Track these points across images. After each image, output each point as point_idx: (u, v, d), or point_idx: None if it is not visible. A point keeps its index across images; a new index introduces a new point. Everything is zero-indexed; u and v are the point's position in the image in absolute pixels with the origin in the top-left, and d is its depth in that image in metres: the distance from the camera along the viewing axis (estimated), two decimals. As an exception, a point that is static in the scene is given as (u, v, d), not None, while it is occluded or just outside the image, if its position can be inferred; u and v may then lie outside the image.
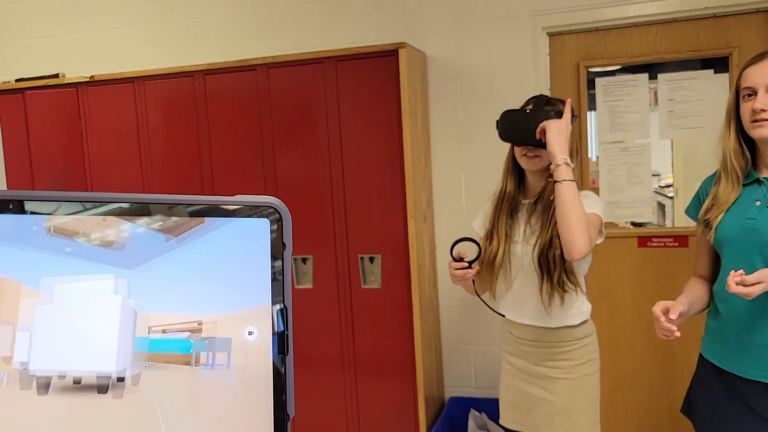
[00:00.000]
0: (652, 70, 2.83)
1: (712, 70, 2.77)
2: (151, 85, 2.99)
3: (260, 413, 0.40)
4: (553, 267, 1.83)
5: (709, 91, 2.76)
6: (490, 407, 2.95)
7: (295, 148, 2.84)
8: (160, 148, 3.02)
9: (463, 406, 3.01)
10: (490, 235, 1.97)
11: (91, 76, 3.05)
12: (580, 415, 1.93)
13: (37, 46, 3.50)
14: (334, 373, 2.88)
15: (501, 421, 2.08)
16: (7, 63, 3.52)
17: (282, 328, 0.40)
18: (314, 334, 2.89)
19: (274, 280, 0.40)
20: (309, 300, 2.88)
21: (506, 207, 1.94)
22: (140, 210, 0.40)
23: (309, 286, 2.88)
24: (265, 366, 0.40)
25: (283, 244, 0.41)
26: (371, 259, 2.81)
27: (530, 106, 1.87)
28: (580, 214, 1.70)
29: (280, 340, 0.40)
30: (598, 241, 1.87)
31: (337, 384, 2.88)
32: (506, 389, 2.06)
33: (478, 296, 1.99)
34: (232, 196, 0.40)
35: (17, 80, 3.17)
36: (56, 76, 3.14)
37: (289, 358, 0.41)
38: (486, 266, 1.96)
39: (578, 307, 1.92)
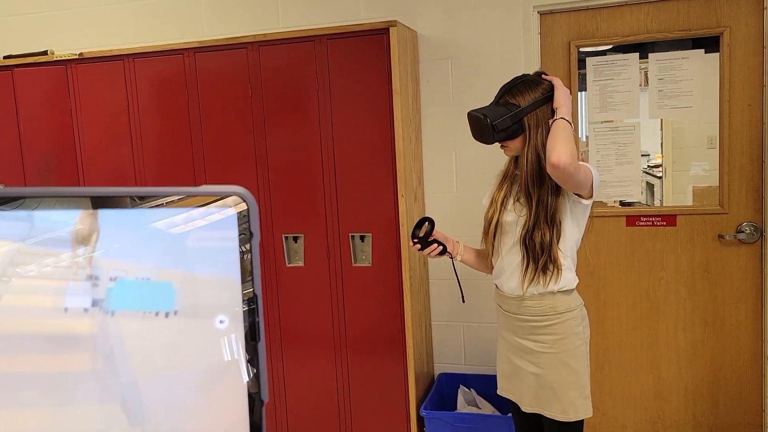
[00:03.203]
0: (643, 49, 2.83)
1: (702, 50, 2.78)
2: (141, 62, 2.97)
3: (234, 399, 0.41)
4: (540, 251, 1.92)
5: (699, 71, 2.78)
6: (480, 383, 3.00)
7: (286, 127, 2.84)
8: (150, 126, 3.01)
9: (452, 382, 3.06)
10: (489, 204, 2.13)
11: (80, 54, 3.03)
12: (564, 388, 1.98)
13: (25, 22, 3.46)
14: (325, 351, 2.92)
15: (498, 391, 2.20)
16: (-5, 40, 3.48)
17: (252, 316, 0.41)
18: (305, 312, 2.92)
19: (242, 268, 0.41)
20: (300, 278, 2.90)
21: (505, 179, 2.08)
22: (101, 203, 0.39)
23: (300, 264, 2.90)
24: (237, 353, 0.41)
25: (251, 233, 0.41)
26: (362, 238, 2.83)
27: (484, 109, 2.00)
28: (567, 137, 1.84)
29: (251, 328, 0.41)
30: (584, 201, 1.96)
31: (328, 361, 2.92)
32: (500, 361, 2.18)
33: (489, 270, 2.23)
34: (198, 186, 0.41)
35: (5, 57, 3.15)
36: (45, 53, 3.12)
37: (261, 345, 0.41)
38: (482, 233, 2.13)
39: (561, 278, 1.99)
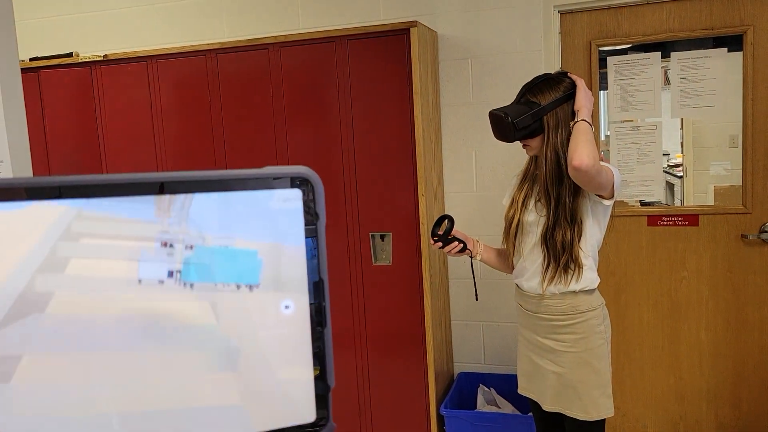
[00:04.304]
0: (665, 48, 2.82)
1: (725, 49, 2.76)
2: (164, 63, 3.01)
3: (300, 385, 0.40)
4: (561, 250, 1.92)
5: (722, 70, 2.76)
6: (499, 382, 3.00)
7: (306, 127, 2.86)
8: (173, 127, 3.04)
9: (472, 381, 3.06)
10: (509, 204, 2.12)
11: (105, 55, 3.08)
12: (586, 388, 1.98)
13: (51, 25, 3.52)
14: (346, 349, 2.93)
15: (519, 390, 2.20)
16: (22, 42, 3.53)
17: (318, 301, 0.40)
18: (326, 310, 2.93)
19: (308, 251, 0.40)
20: (321, 277, 2.92)
21: (526, 179, 2.07)
22: (166, 189, 0.38)
23: (321, 263, 2.91)
24: (304, 339, 0.40)
25: (316, 214, 0.40)
26: (382, 237, 2.84)
27: (505, 107, 1.99)
28: (588, 139, 1.83)
29: (317, 313, 0.40)
30: (605, 202, 1.95)
31: (349, 360, 2.94)
32: (521, 360, 2.17)
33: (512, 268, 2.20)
34: (262, 168, 0.39)
35: (31, 59, 3.20)
36: (70, 55, 3.16)
37: (327, 330, 0.40)
38: (503, 233, 2.13)
39: (583, 274, 1.99)
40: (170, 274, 0.37)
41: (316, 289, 0.40)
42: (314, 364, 0.40)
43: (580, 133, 1.85)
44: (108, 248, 0.36)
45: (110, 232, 0.36)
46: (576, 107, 1.93)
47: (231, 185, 0.39)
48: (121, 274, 0.36)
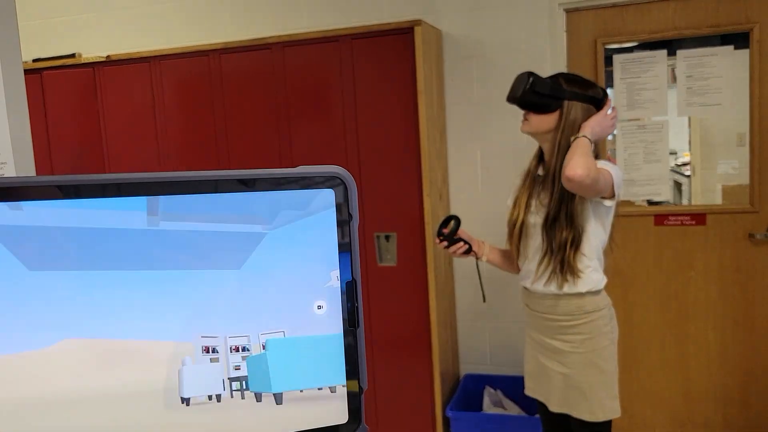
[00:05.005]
0: (671, 46, 2.80)
1: (731, 46, 2.74)
2: (167, 64, 3.00)
3: (333, 386, 0.40)
4: (558, 248, 1.91)
5: (729, 68, 2.73)
6: (505, 384, 2.98)
7: (310, 127, 2.85)
8: (176, 127, 3.03)
9: (478, 382, 3.04)
10: (512, 206, 2.10)
11: (108, 56, 3.07)
12: (592, 389, 1.97)
13: (54, 25, 3.51)
14: (351, 350, 2.92)
15: (525, 391, 2.19)
16: (25, 43, 3.53)
17: (351, 301, 0.40)
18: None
19: (341, 252, 0.39)
20: (325, 278, 2.90)
21: (528, 179, 2.06)
22: (190, 188, 0.36)
23: (325, 264, 2.90)
24: (336, 340, 0.39)
25: (350, 215, 0.39)
26: (387, 237, 2.83)
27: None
28: (584, 152, 1.82)
29: (350, 314, 0.39)
30: (606, 202, 1.93)
31: (354, 360, 2.92)
32: (528, 361, 2.17)
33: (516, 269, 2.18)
34: (295, 167, 0.39)
35: (34, 60, 3.19)
36: (73, 56, 3.16)
37: (360, 331, 0.40)
38: (507, 235, 2.11)
39: (588, 276, 1.96)
40: (226, 385, 0.31)
41: (348, 289, 0.39)
42: (346, 366, 0.39)
43: (578, 147, 1.85)
44: (136, 362, 0.30)
45: (139, 345, 0.30)
46: (584, 123, 1.91)
47: (273, 185, 0.38)
48: (155, 395, 0.29)
